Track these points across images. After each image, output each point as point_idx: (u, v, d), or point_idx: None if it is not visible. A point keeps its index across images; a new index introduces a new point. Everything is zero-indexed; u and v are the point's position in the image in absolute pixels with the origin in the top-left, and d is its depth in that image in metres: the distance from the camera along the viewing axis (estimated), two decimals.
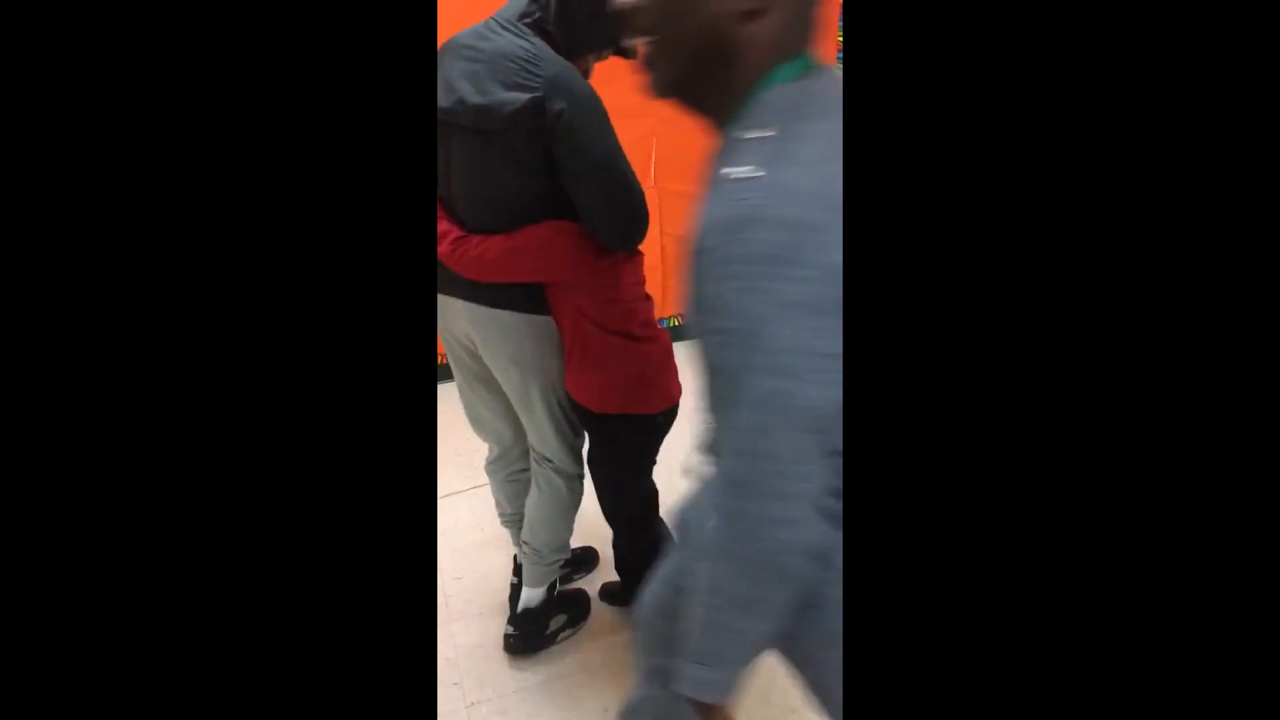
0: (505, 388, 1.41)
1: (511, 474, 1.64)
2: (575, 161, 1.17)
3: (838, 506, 0.69)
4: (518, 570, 1.70)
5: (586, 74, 1.28)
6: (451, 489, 2.25)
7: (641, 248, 1.33)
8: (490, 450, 1.63)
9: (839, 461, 0.67)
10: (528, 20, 1.20)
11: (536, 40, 1.18)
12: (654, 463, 1.51)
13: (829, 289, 0.59)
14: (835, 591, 0.73)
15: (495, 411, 1.54)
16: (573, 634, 1.74)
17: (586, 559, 1.93)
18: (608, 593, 1.83)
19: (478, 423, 1.59)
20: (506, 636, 1.68)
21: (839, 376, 0.61)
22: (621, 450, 1.47)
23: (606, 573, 1.88)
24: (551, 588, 1.68)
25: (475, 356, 1.42)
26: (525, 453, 1.58)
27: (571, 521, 1.60)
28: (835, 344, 0.60)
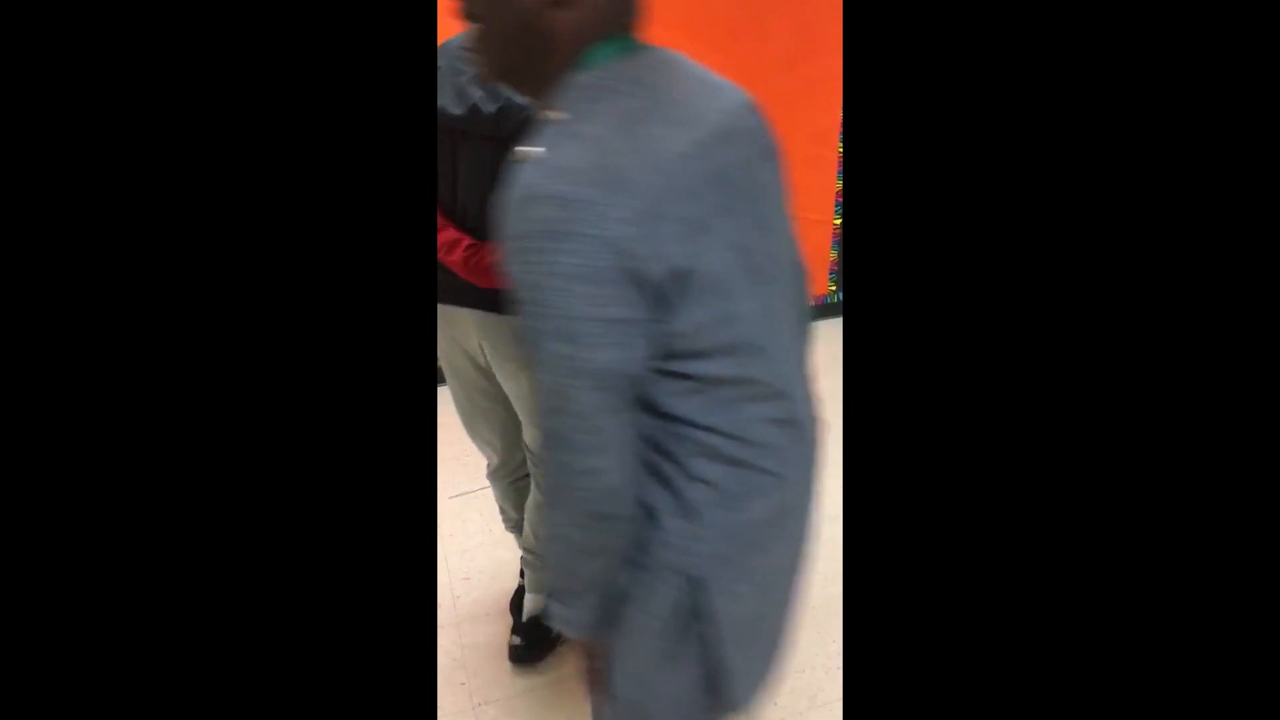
0: (511, 395, 1.41)
1: (516, 479, 1.65)
2: None
3: (659, 460, 0.75)
4: (522, 577, 1.71)
5: None
6: (459, 490, 2.26)
7: None
8: (489, 461, 1.64)
9: (651, 418, 0.73)
10: None
11: None
12: None
13: (604, 259, 0.63)
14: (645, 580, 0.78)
15: (493, 425, 1.54)
16: None
17: None
18: None
19: (476, 435, 1.60)
20: (512, 647, 1.68)
21: (623, 339, 0.65)
22: None
23: None
24: None
25: (480, 369, 1.43)
26: (525, 460, 1.59)
27: None
28: (614, 310, 0.64)
